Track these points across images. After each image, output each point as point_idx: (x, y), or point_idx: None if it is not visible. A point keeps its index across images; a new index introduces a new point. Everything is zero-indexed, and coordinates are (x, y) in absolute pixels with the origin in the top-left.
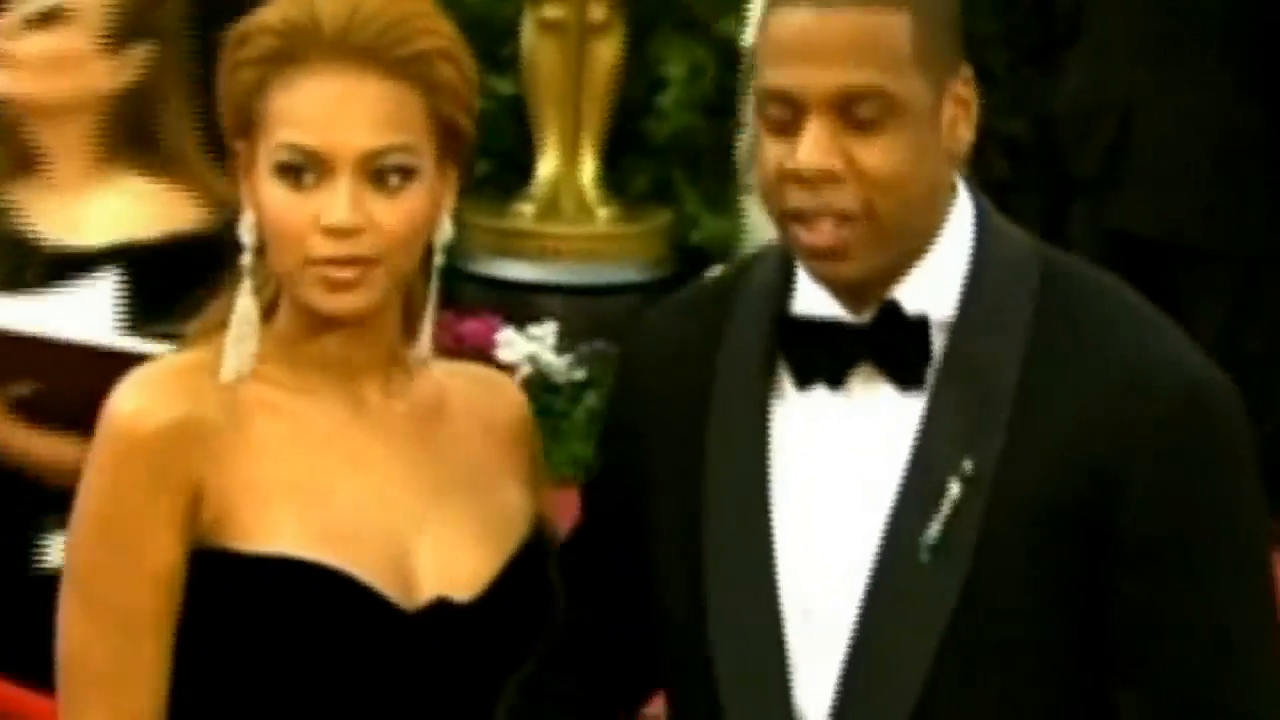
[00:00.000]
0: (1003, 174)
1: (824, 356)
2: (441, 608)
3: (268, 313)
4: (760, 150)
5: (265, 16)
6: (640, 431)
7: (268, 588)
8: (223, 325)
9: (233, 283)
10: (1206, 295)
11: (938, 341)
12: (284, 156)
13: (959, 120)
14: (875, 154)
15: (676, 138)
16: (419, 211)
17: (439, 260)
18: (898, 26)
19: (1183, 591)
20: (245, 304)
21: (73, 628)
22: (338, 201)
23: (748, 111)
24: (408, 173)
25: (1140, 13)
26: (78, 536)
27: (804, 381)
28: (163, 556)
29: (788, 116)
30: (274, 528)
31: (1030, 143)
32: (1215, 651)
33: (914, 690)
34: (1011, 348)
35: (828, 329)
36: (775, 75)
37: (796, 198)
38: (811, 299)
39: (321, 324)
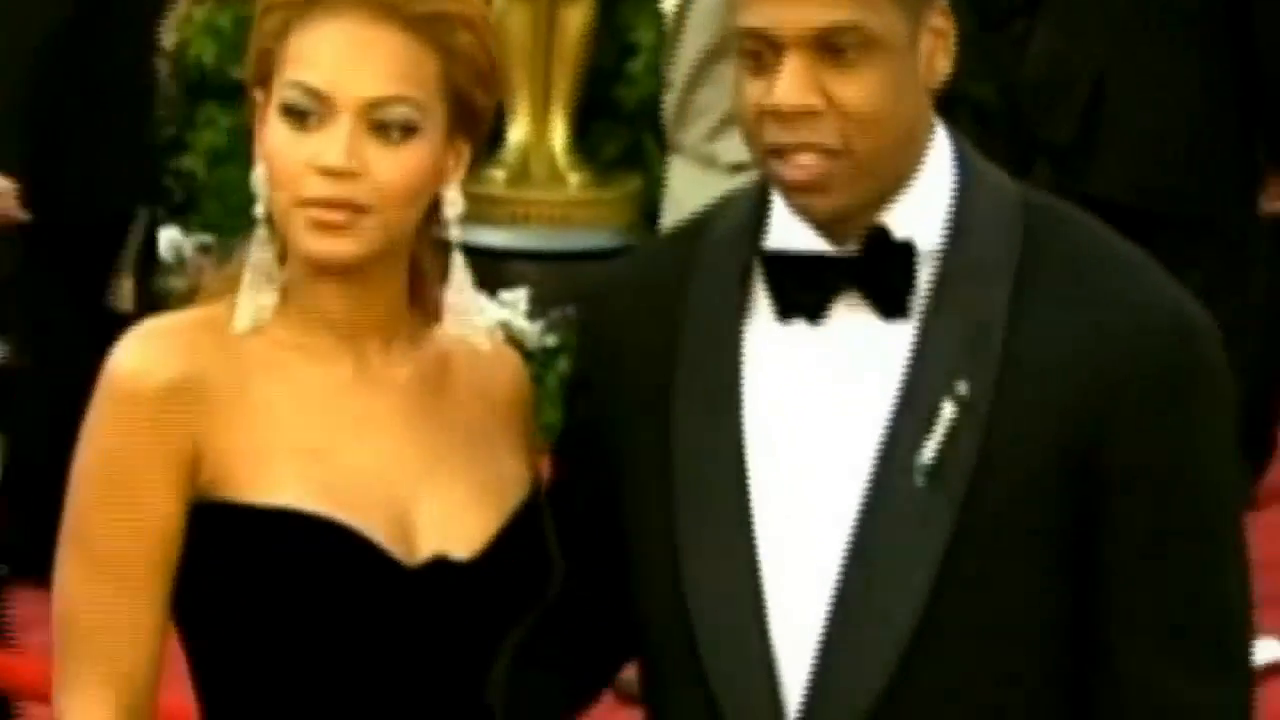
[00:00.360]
0: (971, 139)
1: (806, 289)
2: (440, 565)
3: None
4: (739, 88)
5: None
6: (610, 385)
7: (269, 539)
8: (235, 279)
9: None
10: (1181, 262)
11: (925, 271)
12: (290, 95)
13: (936, 51)
14: (853, 89)
15: (646, 104)
16: (416, 169)
17: (455, 234)
18: None
19: (1171, 516)
20: (259, 254)
21: (69, 582)
22: (335, 143)
23: (673, 72)
24: (410, 129)
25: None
26: (75, 491)
27: (786, 315)
28: (160, 511)
29: (765, 54)
30: (275, 483)
31: (998, 109)
32: (1202, 570)
33: (911, 615)
34: (1000, 277)
35: (809, 261)
36: (751, 14)
37: (775, 134)
38: (788, 234)
39: (319, 276)
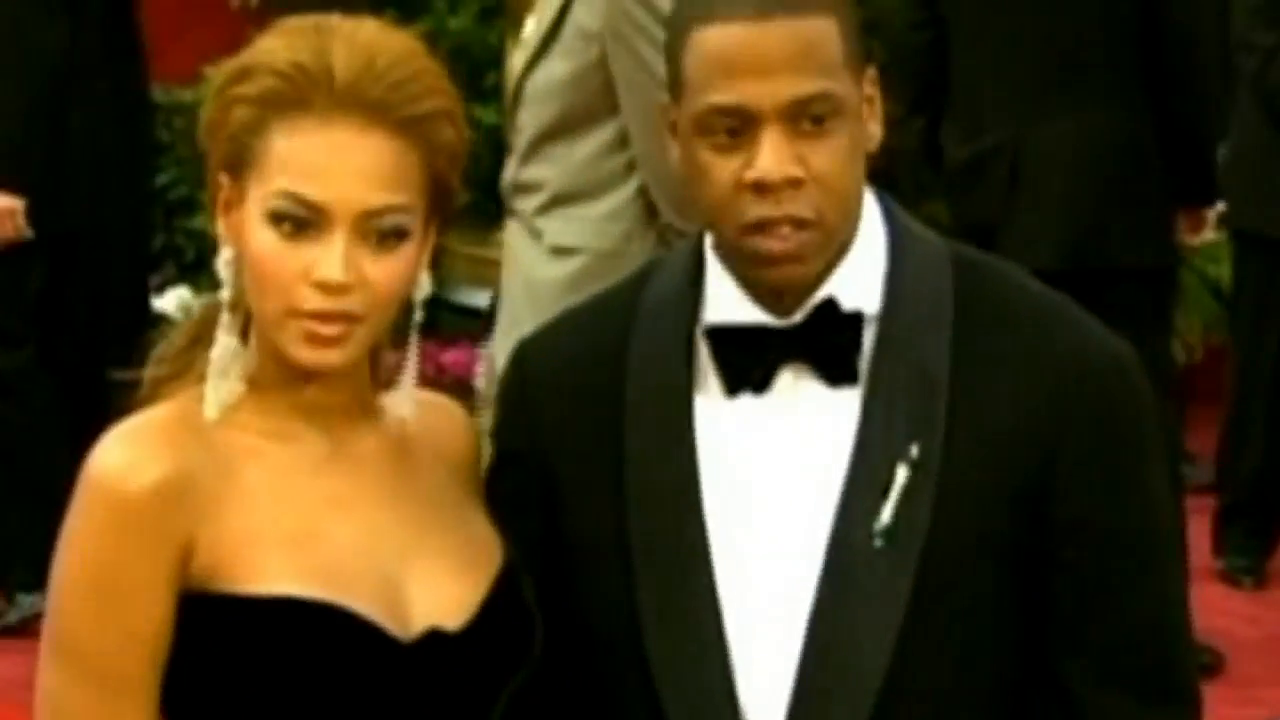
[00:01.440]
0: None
1: (752, 362)
2: (434, 637)
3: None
4: (704, 169)
5: (269, 56)
6: (544, 458)
7: (266, 628)
8: (185, 372)
9: (190, 327)
10: (1115, 313)
11: (867, 334)
12: (281, 205)
13: (870, 118)
14: (827, 158)
15: None
16: (407, 271)
17: (418, 316)
18: (828, 30)
19: (1120, 552)
20: (226, 340)
21: (56, 692)
22: (333, 257)
23: (513, 138)
24: (402, 233)
25: (1010, 57)
26: (62, 598)
27: (733, 388)
28: (152, 614)
29: (739, 132)
30: (268, 570)
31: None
32: (1151, 604)
33: (877, 676)
34: (939, 336)
35: (753, 334)
36: (721, 92)
37: (758, 209)
38: (726, 306)
39: (298, 373)
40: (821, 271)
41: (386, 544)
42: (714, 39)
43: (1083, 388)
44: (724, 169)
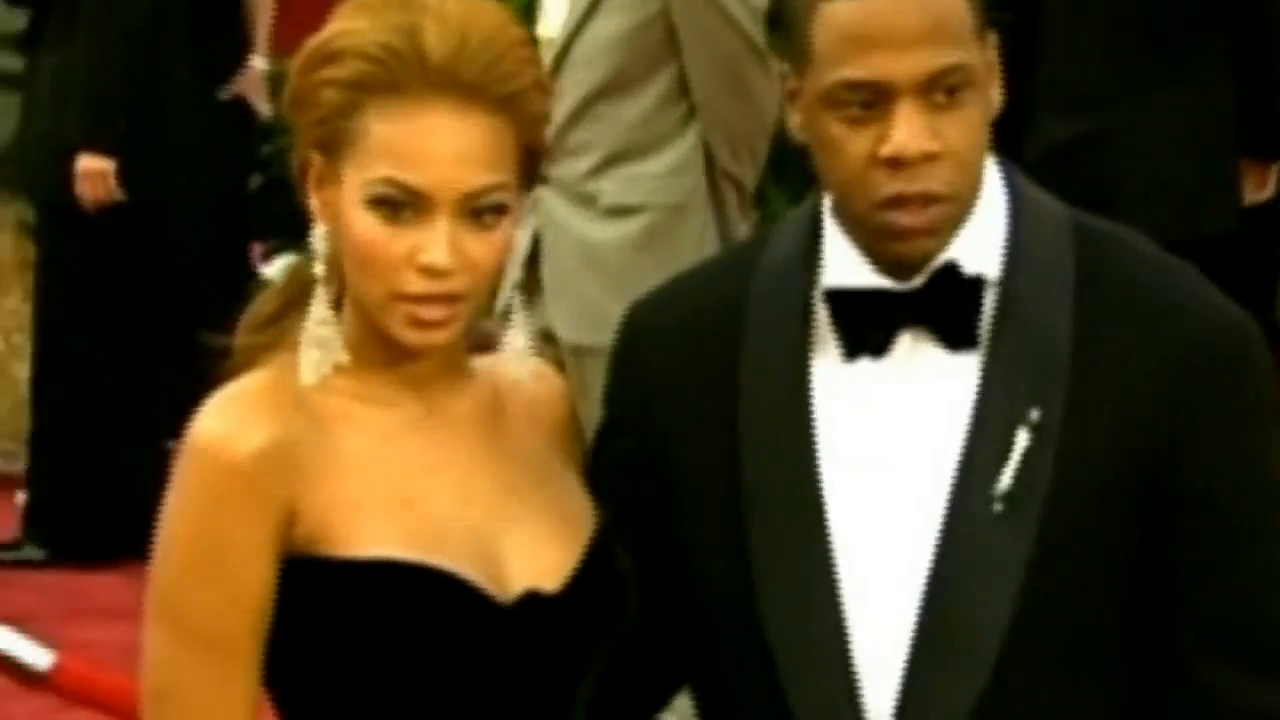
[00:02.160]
0: None
1: (873, 325)
2: (532, 599)
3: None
4: (835, 143)
5: (358, 38)
6: (653, 425)
7: (368, 590)
8: (279, 340)
9: (278, 292)
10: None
11: (987, 299)
12: (383, 190)
13: (991, 84)
14: (962, 131)
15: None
16: (507, 244)
17: (516, 274)
18: (961, 3)
19: (1240, 524)
20: (321, 313)
21: (162, 658)
22: (438, 242)
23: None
24: (501, 209)
25: (1113, 32)
26: (167, 566)
27: (852, 352)
28: (257, 580)
29: (871, 104)
30: (370, 535)
31: None
32: (1267, 576)
33: (995, 641)
34: (1062, 301)
35: (872, 297)
36: (854, 66)
37: (893, 184)
38: (845, 270)
39: (397, 346)
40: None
41: (481, 507)
42: (845, 11)
43: (1206, 357)
44: (857, 144)
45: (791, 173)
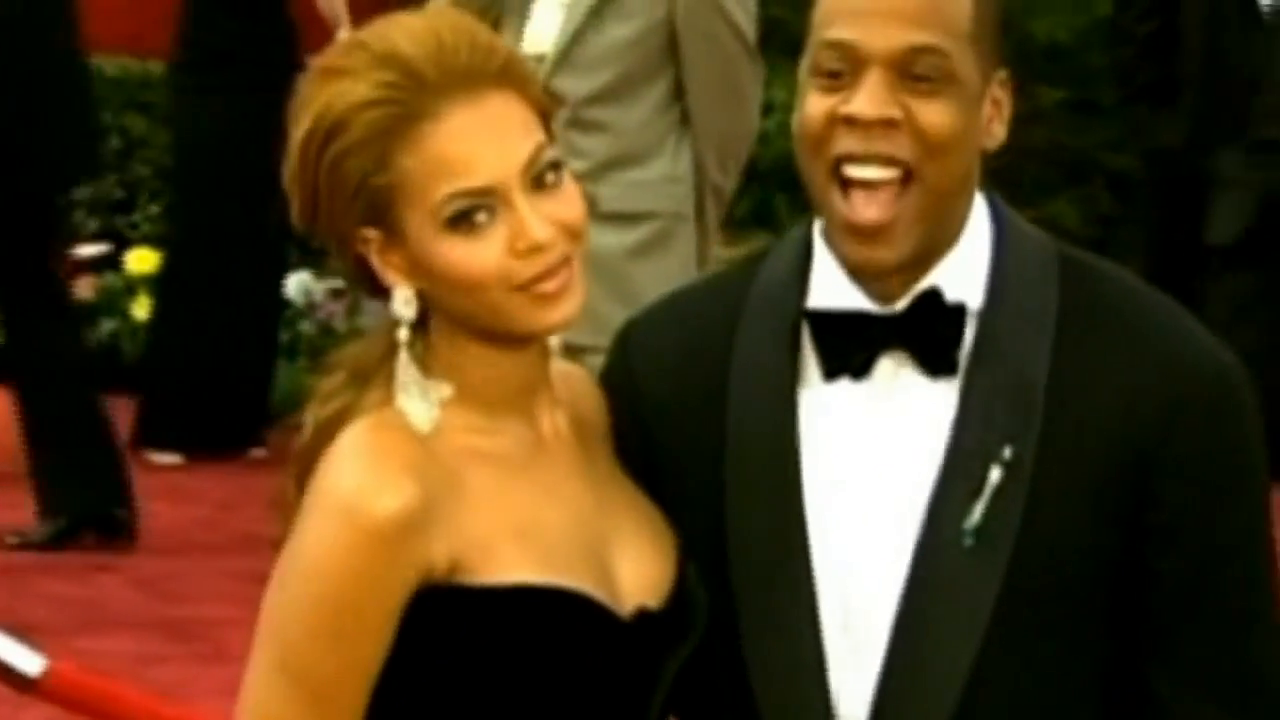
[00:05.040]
0: (1107, 207)
1: (853, 347)
2: (644, 616)
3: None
4: (804, 105)
5: (351, 97)
6: (645, 440)
7: (510, 615)
8: (352, 409)
9: (351, 363)
10: None
11: (968, 331)
12: (455, 206)
13: (994, 118)
14: (931, 110)
15: (780, 162)
16: (579, 194)
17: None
18: (961, 1)
19: (1215, 563)
20: (410, 374)
21: (270, 703)
22: (527, 224)
23: None
24: (556, 165)
25: None
26: (295, 618)
27: (831, 373)
28: (383, 640)
29: (844, 72)
30: (504, 562)
31: (1139, 178)
32: (1243, 615)
33: (960, 675)
34: (1041, 335)
35: (856, 319)
36: (841, 27)
37: (847, 142)
38: (831, 292)
39: (502, 354)
40: (923, 260)
41: (590, 526)
42: None
43: (1184, 398)
44: (823, 103)
45: (805, 198)
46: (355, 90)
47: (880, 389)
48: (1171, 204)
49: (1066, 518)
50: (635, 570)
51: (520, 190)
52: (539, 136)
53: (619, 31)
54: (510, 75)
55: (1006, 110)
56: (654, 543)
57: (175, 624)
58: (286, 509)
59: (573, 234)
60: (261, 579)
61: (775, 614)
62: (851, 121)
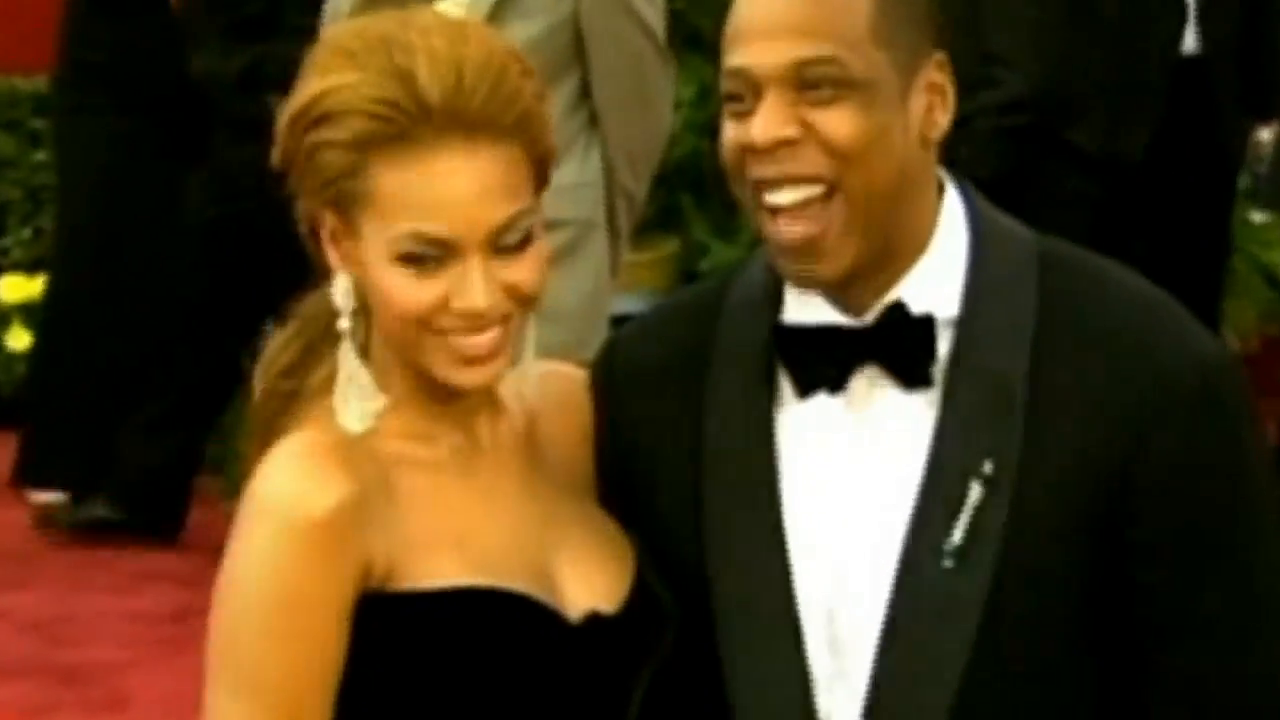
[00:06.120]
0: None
1: (824, 362)
2: (596, 620)
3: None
4: (723, 138)
5: (351, 95)
6: (624, 458)
7: (447, 618)
8: (300, 391)
9: (294, 339)
10: None
11: (944, 340)
12: (410, 247)
13: (935, 107)
14: (833, 120)
15: (684, 162)
16: (542, 265)
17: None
18: (856, 3)
19: (1209, 575)
20: (352, 365)
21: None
22: (472, 286)
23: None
24: (528, 233)
25: None
26: (238, 624)
27: (805, 389)
28: (335, 637)
29: (747, 97)
30: (437, 567)
31: None
32: (1242, 630)
33: (946, 699)
34: (1019, 344)
35: (826, 334)
36: (735, 54)
37: (756, 169)
38: (805, 306)
39: (438, 385)
40: (888, 270)
41: (532, 534)
42: (736, 4)
43: (1166, 397)
44: (732, 133)
45: (711, 199)
46: (357, 91)
47: (857, 404)
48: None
49: (1049, 534)
50: (582, 577)
51: (480, 251)
52: (522, 202)
53: (522, 31)
54: (523, 128)
55: (950, 94)
56: (603, 552)
57: (67, 670)
58: (245, 472)
59: (522, 300)
60: (156, 619)
61: (757, 637)
62: (753, 148)
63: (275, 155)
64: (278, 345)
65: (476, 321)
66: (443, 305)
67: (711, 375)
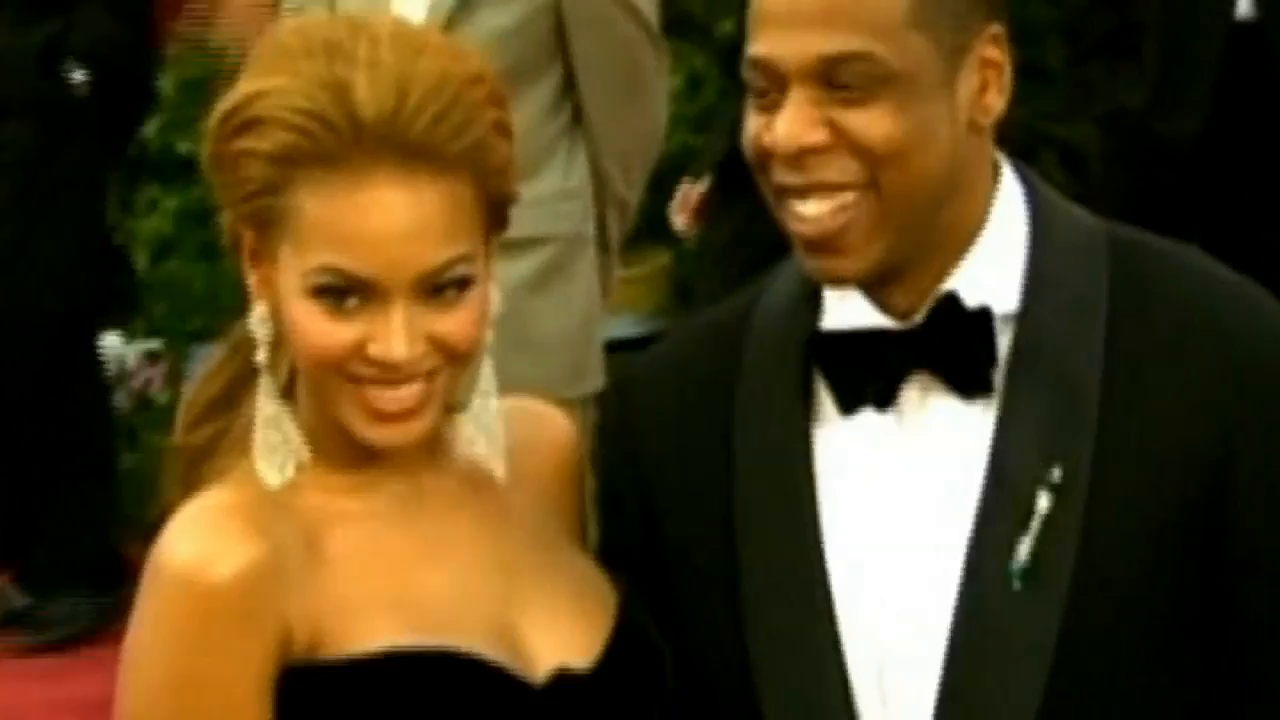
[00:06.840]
0: (1060, 185)
1: (870, 373)
2: (564, 679)
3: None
4: (745, 129)
5: (280, 102)
6: (647, 503)
7: (381, 686)
8: (221, 439)
9: (214, 382)
10: None
11: (1003, 338)
12: (324, 280)
13: (988, 85)
14: (865, 120)
15: (674, 158)
16: (481, 312)
17: (489, 336)
18: None
19: None
20: (270, 409)
21: None
22: (391, 333)
23: None
24: (466, 282)
25: None
26: (143, 705)
27: (849, 405)
28: (254, 711)
29: (770, 88)
30: (370, 629)
31: (1096, 149)
32: None
33: None
34: (1090, 336)
35: (871, 340)
36: (757, 42)
37: (781, 174)
38: (846, 309)
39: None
40: (935, 262)
41: (491, 586)
42: None
43: (1257, 388)
44: (752, 125)
45: None
46: (287, 99)
47: (909, 420)
48: (1134, 178)
49: (1128, 546)
50: (550, 630)
51: (405, 296)
52: (463, 246)
53: (495, 20)
54: (473, 161)
55: (1006, 69)
56: (577, 600)
57: None
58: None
59: (452, 355)
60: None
61: (800, 683)
62: (775, 153)
63: (203, 157)
64: (203, 377)
65: (393, 374)
66: (357, 350)
67: (739, 400)
